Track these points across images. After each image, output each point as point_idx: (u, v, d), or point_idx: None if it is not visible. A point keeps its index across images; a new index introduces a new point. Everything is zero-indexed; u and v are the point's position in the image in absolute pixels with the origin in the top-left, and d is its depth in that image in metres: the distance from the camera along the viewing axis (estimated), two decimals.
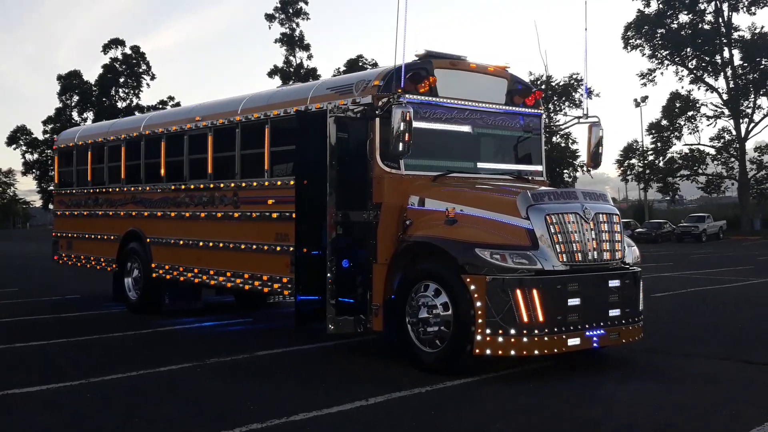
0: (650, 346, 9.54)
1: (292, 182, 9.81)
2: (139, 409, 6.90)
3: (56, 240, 16.18)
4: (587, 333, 8.16)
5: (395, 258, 8.74)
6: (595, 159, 10.19)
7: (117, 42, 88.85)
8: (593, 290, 8.24)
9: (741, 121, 62.14)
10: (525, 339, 7.76)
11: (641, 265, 9.13)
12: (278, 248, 10.21)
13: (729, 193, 71.35)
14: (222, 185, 11.51)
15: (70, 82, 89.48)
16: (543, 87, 61.68)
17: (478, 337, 7.79)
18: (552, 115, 63.38)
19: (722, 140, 64.20)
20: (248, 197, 10.97)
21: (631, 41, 63.95)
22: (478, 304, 7.77)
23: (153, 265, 12.82)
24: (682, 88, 68.77)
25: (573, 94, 65.96)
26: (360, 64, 73.83)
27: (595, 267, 8.34)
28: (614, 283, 8.45)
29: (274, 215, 10.36)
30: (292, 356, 9.45)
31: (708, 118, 64.21)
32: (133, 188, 13.69)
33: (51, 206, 45.41)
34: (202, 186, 11.94)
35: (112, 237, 14.00)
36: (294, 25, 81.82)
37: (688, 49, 62.68)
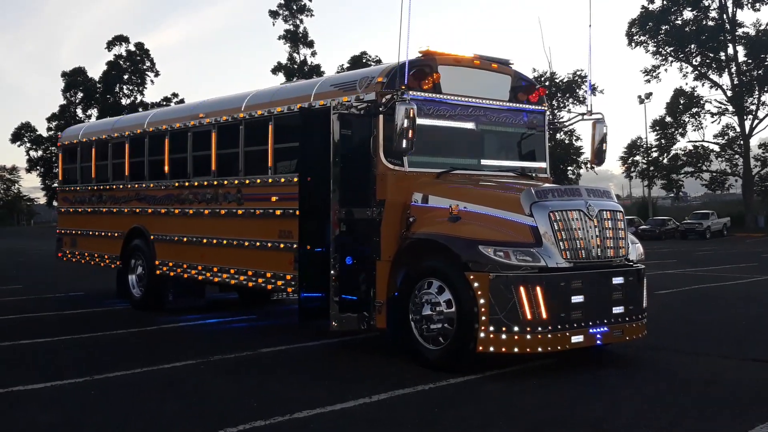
0: (654, 344, 9.53)
1: (295, 179, 9.80)
2: (142, 406, 6.91)
3: (60, 237, 16.20)
4: (591, 330, 8.16)
5: (399, 255, 8.74)
6: (599, 156, 10.18)
7: (121, 39, 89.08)
8: (597, 287, 8.23)
9: (745, 117, 62.05)
10: (528, 336, 7.75)
11: (645, 262, 9.13)
12: (282, 245, 10.21)
13: (733, 190, 71.25)
14: (226, 182, 11.51)
15: (75, 79, 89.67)
16: (547, 83, 61.60)
17: (482, 335, 7.79)
18: (556, 111, 63.30)
19: (726, 137, 64.15)
20: (252, 194, 10.97)
21: (635, 38, 63.89)
22: (482, 301, 7.77)
23: (157, 262, 12.83)
24: (687, 84, 68.48)
25: (577, 90, 65.93)
26: (364, 60, 73.86)
27: (598, 264, 8.33)
28: (618, 280, 8.43)
29: (278, 212, 10.36)
30: (296, 353, 9.46)
31: (712, 114, 64.20)
32: (137, 185, 13.70)
33: (55, 203, 45.45)
34: (205, 183, 11.94)
35: (115, 234, 14.01)
36: (298, 22, 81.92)
37: (693, 46, 62.60)
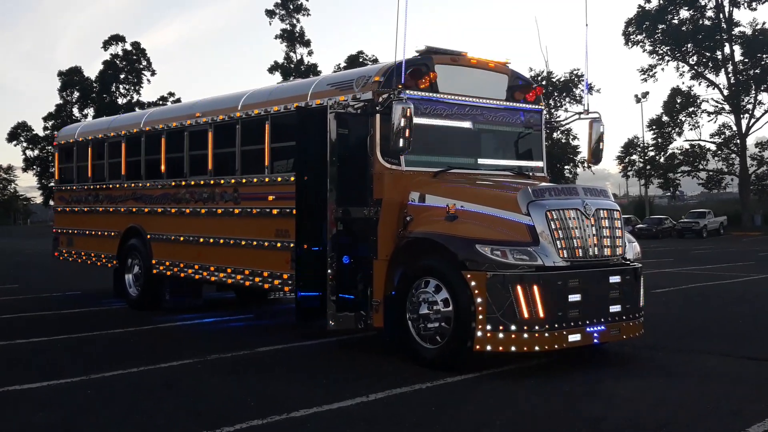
0: (651, 342, 9.53)
1: (292, 178, 9.80)
2: (139, 405, 6.90)
3: (57, 236, 16.18)
4: (588, 329, 8.16)
5: (396, 254, 8.74)
6: (595, 155, 10.18)
7: (117, 38, 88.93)
8: (594, 286, 8.24)
9: (741, 116, 62.12)
10: (525, 335, 7.76)
11: (642, 260, 9.13)
12: (279, 244, 10.20)
13: (730, 189, 71.33)
14: (222, 181, 11.50)
15: (71, 78, 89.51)
16: (544, 83, 61.67)
17: (479, 333, 7.79)
18: (553, 110, 63.34)
19: (723, 136, 64.23)
20: (249, 193, 10.96)
21: (631, 37, 63.94)
22: (479, 300, 7.77)
23: (153, 262, 12.82)
24: (683, 83, 68.65)
25: (574, 89, 65.92)
26: (360, 60, 73.84)
27: (595, 263, 8.34)
28: (615, 279, 8.44)
29: (275, 211, 10.36)
30: (293, 352, 9.45)
31: (709, 113, 64.27)
32: (133, 184, 13.68)
33: (51, 202, 45.40)
34: (202, 182, 11.93)
35: (112, 233, 13.99)
36: (294, 21, 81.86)
37: (689, 45, 62.67)
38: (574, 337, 8.05)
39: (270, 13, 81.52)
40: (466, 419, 6.42)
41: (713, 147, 65.16)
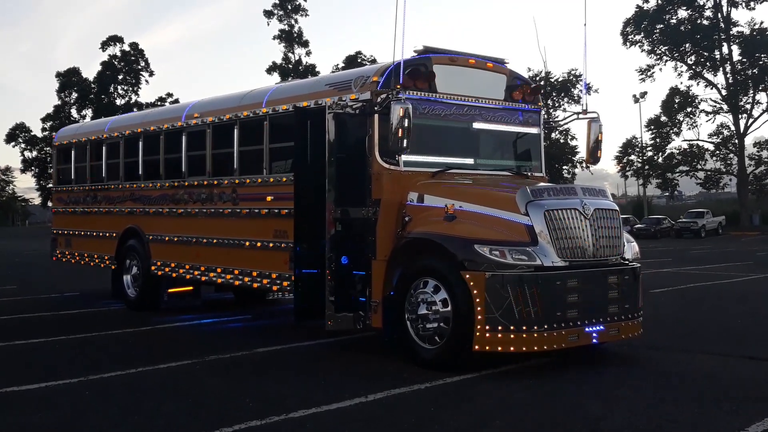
0: (650, 342, 9.53)
1: (289, 179, 9.79)
2: (137, 406, 6.89)
3: (55, 237, 16.16)
4: (587, 329, 8.16)
5: (394, 254, 8.73)
6: (594, 155, 10.18)
7: (115, 39, 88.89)
8: (592, 286, 8.23)
9: (740, 116, 62.19)
10: (524, 335, 7.75)
11: (640, 260, 9.13)
12: (277, 245, 10.19)
13: (728, 189, 71.40)
14: (221, 182, 11.49)
15: (69, 79, 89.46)
16: (542, 83, 61.66)
17: (478, 334, 7.78)
18: (551, 110, 63.35)
19: (721, 136, 64.29)
20: (247, 194, 10.95)
21: (630, 37, 64.00)
22: (478, 300, 7.76)
23: (152, 262, 12.80)
24: (681, 83, 68.64)
25: (572, 89, 65.92)
26: (359, 60, 73.83)
27: (594, 263, 8.33)
28: (613, 279, 8.44)
29: (273, 212, 10.35)
30: (291, 353, 9.44)
31: (707, 113, 64.35)
32: (131, 185, 13.67)
33: (50, 203, 45.41)
34: (200, 183, 11.92)
35: (110, 234, 13.98)
36: (293, 22, 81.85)
37: (687, 45, 62.72)
38: (572, 337, 8.05)
39: (268, 14, 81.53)
40: (465, 420, 6.42)
41: (711, 147, 65.28)
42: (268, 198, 10.46)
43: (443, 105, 9.42)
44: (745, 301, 14.70)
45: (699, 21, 62.61)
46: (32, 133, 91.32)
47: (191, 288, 12.95)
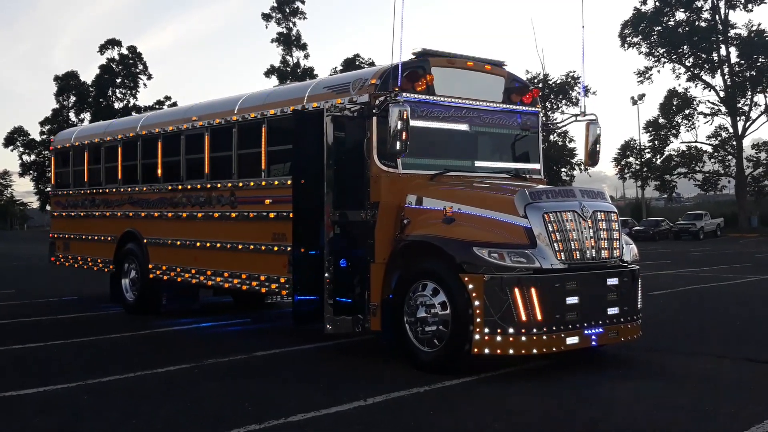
0: (649, 345, 9.52)
1: (289, 182, 9.78)
2: (136, 410, 6.87)
3: (53, 241, 16.14)
4: (586, 331, 8.15)
5: (393, 257, 8.72)
6: (592, 157, 10.19)
7: (113, 42, 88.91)
8: (591, 288, 8.23)
9: (738, 118, 62.22)
10: (523, 338, 7.74)
11: (639, 263, 9.12)
12: (276, 248, 10.18)
13: (726, 191, 71.45)
14: (219, 185, 11.48)
15: (67, 82, 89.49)
16: (540, 85, 61.70)
17: (477, 336, 7.77)
18: (549, 113, 63.38)
19: (719, 138, 64.29)
20: (245, 197, 10.94)
21: (628, 39, 64.02)
22: (476, 303, 7.75)
23: (150, 266, 12.79)
24: (679, 85, 68.90)
25: (570, 92, 65.95)
26: (357, 63, 73.86)
27: (593, 265, 8.33)
28: (612, 281, 8.43)
29: (272, 215, 10.34)
30: (290, 357, 9.43)
31: (705, 115, 64.36)
32: (130, 189, 13.66)
33: (48, 207, 45.39)
34: (199, 186, 11.91)
35: (109, 238, 13.97)
36: (291, 25, 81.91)
37: (685, 47, 62.76)
38: (572, 340, 8.04)
39: (266, 17, 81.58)
40: (464, 423, 6.41)
41: (710, 149, 65.28)
42: (267, 201, 10.45)
43: (441, 107, 9.42)
44: (744, 303, 14.69)
45: (697, 23, 62.66)
46: (30, 137, 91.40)
47: (190, 291, 12.94)
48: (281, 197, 10.04)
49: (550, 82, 65.89)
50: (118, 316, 13.16)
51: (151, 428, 6.34)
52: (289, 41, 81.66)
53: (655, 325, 10.71)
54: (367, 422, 6.44)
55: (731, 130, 63.00)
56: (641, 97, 68.21)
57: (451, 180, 9.19)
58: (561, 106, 66.38)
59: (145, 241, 13.01)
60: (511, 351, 7.78)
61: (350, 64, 73.48)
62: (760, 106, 62.40)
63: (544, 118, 10.80)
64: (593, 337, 8.22)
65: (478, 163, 9.94)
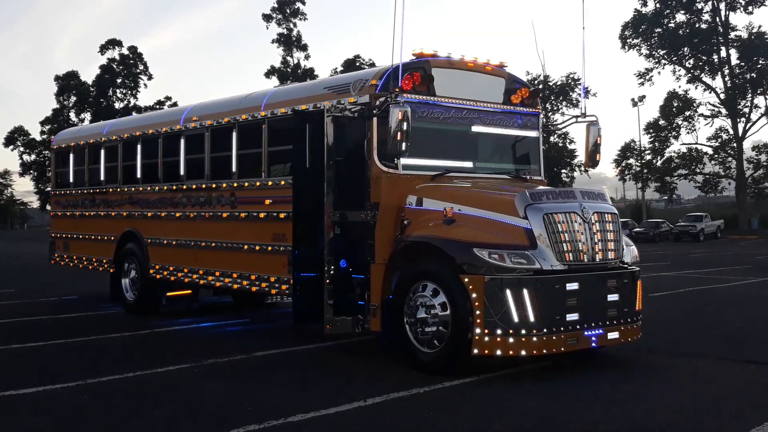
0: (649, 346, 9.52)
1: (289, 182, 9.78)
2: (136, 410, 6.87)
3: (53, 241, 16.15)
4: (586, 333, 8.14)
5: (393, 258, 8.72)
6: (592, 158, 10.19)
7: (114, 42, 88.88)
8: (592, 290, 8.22)
9: (738, 120, 62.20)
10: (523, 339, 7.74)
11: (639, 264, 9.11)
12: (276, 248, 10.18)
13: (726, 193, 71.39)
14: (219, 185, 11.47)
15: (68, 82, 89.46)
16: (540, 86, 61.68)
17: (476, 337, 7.77)
18: (549, 114, 63.35)
19: (720, 139, 64.28)
20: (245, 197, 10.94)
21: (628, 41, 63.99)
22: (477, 304, 7.75)
23: (150, 266, 12.79)
24: (680, 87, 69.08)
25: (570, 93, 65.92)
26: (357, 64, 73.82)
27: (593, 266, 8.32)
28: (613, 282, 8.43)
29: (272, 215, 10.33)
30: (290, 357, 9.42)
31: (705, 117, 64.34)
32: (130, 188, 13.66)
33: (48, 207, 45.40)
34: (199, 186, 11.91)
35: (109, 238, 13.97)
36: (291, 26, 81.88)
37: (686, 49, 62.73)
38: (572, 341, 8.03)
39: (267, 18, 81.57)
40: (464, 423, 6.40)
41: (710, 150, 65.27)
42: (267, 201, 10.45)
43: (442, 108, 9.42)
44: (744, 304, 14.68)
45: (697, 25, 62.65)
46: (31, 137, 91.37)
47: (190, 291, 12.94)
48: (281, 197, 10.04)
49: (551, 84, 65.86)
50: (118, 315, 13.16)
51: (151, 428, 6.34)
52: (289, 42, 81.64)
53: (655, 327, 10.71)
54: (367, 423, 6.43)
55: (731, 132, 62.99)
56: (641, 98, 68.15)
57: (451, 181, 9.18)
58: (561, 108, 66.34)
59: (145, 241, 13.01)
60: (511, 352, 7.77)
61: (351, 64, 73.47)
62: (760, 108, 62.47)
63: (544, 120, 10.79)
64: (593, 338, 8.22)
65: (478, 164, 9.95)
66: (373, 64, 68.33)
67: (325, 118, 9.02)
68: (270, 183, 10.49)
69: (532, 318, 7.74)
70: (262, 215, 10.54)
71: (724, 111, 62.90)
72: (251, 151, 10.95)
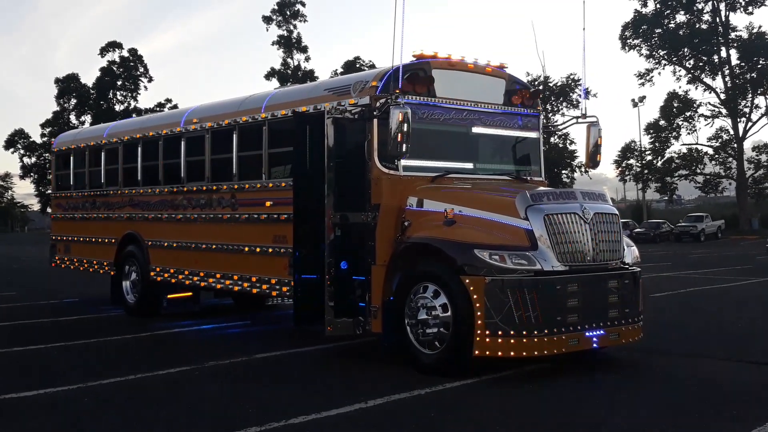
0: (650, 347, 9.51)
1: (289, 184, 9.78)
2: (137, 413, 6.87)
3: (54, 243, 16.15)
4: (587, 333, 8.14)
5: (394, 259, 8.71)
6: (593, 159, 10.18)
7: (114, 45, 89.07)
8: (593, 291, 8.21)
9: (739, 120, 62.20)
10: (524, 340, 7.73)
11: (640, 265, 9.11)
12: (276, 250, 10.18)
13: (727, 193, 71.40)
14: (220, 187, 11.47)
15: (68, 85, 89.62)
16: (541, 87, 61.69)
17: (478, 339, 7.76)
18: (550, 115, 63.37)
19: (720, 140, 64.28)
20: (246, 199, 10.94)
21: (628, 41, 64.01)
22: (477, 305, 7.74)
23: (151, 268, 12.78)
24: (680, 88, 69.07)
25: (571, 94, 65.95)
26: (357, 65, 73.90)
27: (594, 267, 8.31)
28: (614, 283, 8.42)
29: (272, 217, 10.33)
30: (291, 359, 9.41)
31: (706, 117, 64.34)
32: (130, 191, 13.66)
33: (49, 210, 45.47)
34: (199, 188, 11.90)
35: (109, 240, 13.97)
36: (291, 27, 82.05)
37: (686, 49, 62.75)
38: (573, 342, 8.03)
39: (267, 20, 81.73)
40: (466, 425, 6.40)
41: (710, 151, 65.27)
42: (268, 203, 10.44)
43: (442, 109, 9.41)
44: (745, 305, 14.68)
45: (697, 25, 62.67)
46: (31, 139, 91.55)
47: (190, 293, 12.94)
48: (282, 199, 10.03)
49: (551, 85, 65.90)
50: (119, 318, 13.15)
51: (151, 431, 6.34)
52: (289, 44, 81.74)
53: (656, 328, 10.69)
54: (368, 424, 6.43)
55: (732, 132, 63.00)
56: (642, 99, 68.14)
57: (452, 182, 9.18)
58: (562, 109, 66.42)
59: (145, 243, 13.00)
60: (512, 353, 7.76)
61: (351, 66, 73.53)
62: (760, 108, 62.48)
63: (544, 120, 10.80)
64: (594, 339, 8.21)
65: (479, 165, 9.95)
66: (373, 66, 68.38)
67: (325, 120, 9.01)
68: (270, 185, 10.49)
69: (533, 319, 7.74)
70: (262, 217, 10.54)
71: (724, 111, 62.93)
72: (252, 153, 10.95)
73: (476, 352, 7.80)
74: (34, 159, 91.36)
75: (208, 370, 8.66)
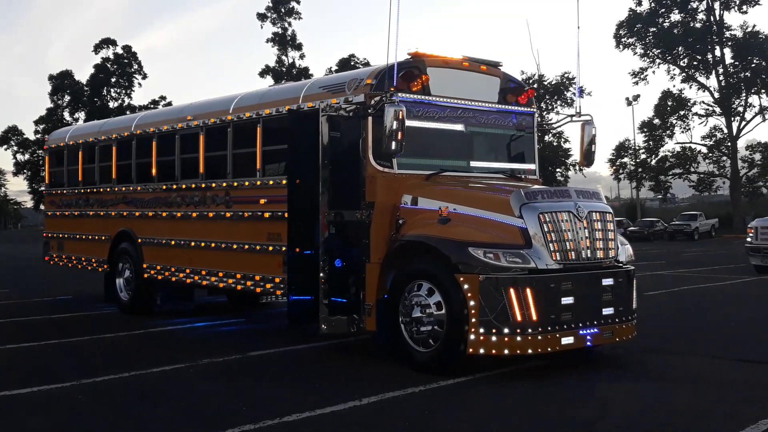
0: (644, 345, 9.53)
1: (284, 182, 9.76)
2: (131, 410, 6.86)
3: (47, 240, 16.11)
4: (581, 332, 8.15)
5: (388, 257, 8.71)
6: (587, 157, 10.19)
7: (108, 42, 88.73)
8: (587, 289, 8.23)
9: (732, 119, 62.28)
10: (518, 338, 7.74)
11: (634, 263, 9.13)
12: (271, 248, 10.17)
13: (721, 192, 71.53)
14: (214, 185, 11.45)
15: (62, 82, 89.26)
16: (535, 86, 61.72)
17: (472, 337, 7.77)
18: (544, 113, 63.41)
19: (714, 138, 64.38)
20: (240, 197, 10.92)
21: (623, 40, 64.02)
22: (472, 303, 7.75)
23: (145, 266, 12.76)
24: (674, 86, 68.77)
25: (565, 92, 66.02)
26: (352, 63, 73.82)
27: (588, 265, 8.33)
28: (608, 281, 8.43)
29: (267, 215, 10.32)
30: (285, 357, 9.41)
31: (700, 116, 64.40)
32: (124, 188, 13.63)
33: (42, 207, 45.38)
34: (193, 186, 11.89)
35: (103, 237, 13.94)
36: (286, 25, 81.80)
37: (680, 48, 62.80)
38: (567, 340, 8.04)
39: (262, 17, 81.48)
40: (460, 423, 6.40)
41: (704, 149, 65.36)
42: (262, 201, 10.43)
43: (437, 107, 9.41)
44: (739, 303, 14.72)
45: (692, 24, 62.72)
46: (24, 136, 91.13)
47: (184, 291, 12.92)
48: (276, 197, 10.02)
49: (546, 83, 65.94)
50: (113, 315, 13.13)
51: (146, 428, 6.33)
52: (284, 41, 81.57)
53: (649, 326, 10.73)
54: (362, 422, 6.43)
55: (726, 130, 63.10)
56: (636, 97, 68.20)
57: (446, 180, 9.18)
58: (556, 107, 66.52)
59: (139, 240, 12.98)
60: (506, 351, 7.77)
61: (345, 64, 73.46)
62: (754, 107, 62.47)
63: (539, 119, 10.78)
64: (588, 337, 8.23)
65: (473, 164, 9.94)
66: (367, 64, 68.30)
67: (320, 118, 9.00)
68: (265, 182, 10.47)
69: (527, 317, 7.74)
70: (257, 215, 10.52)
71: (718, 110, 62.98)
72: (246, 151, 10.93)
73: (470, 350, 7.81)
74: (27, 156, 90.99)
75: (202, 368, 8.65)
